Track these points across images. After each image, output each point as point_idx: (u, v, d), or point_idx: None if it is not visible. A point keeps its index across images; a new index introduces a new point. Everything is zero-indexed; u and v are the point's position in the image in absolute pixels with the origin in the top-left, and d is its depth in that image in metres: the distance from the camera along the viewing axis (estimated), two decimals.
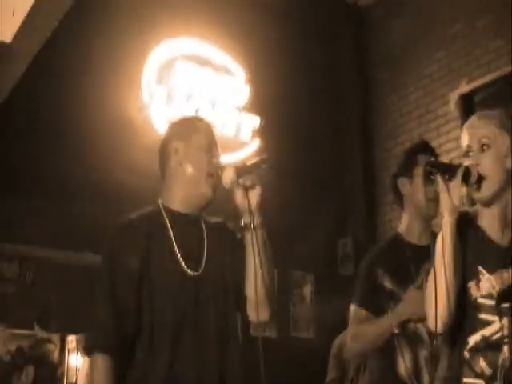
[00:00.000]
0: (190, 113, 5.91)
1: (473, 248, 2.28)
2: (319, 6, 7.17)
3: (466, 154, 2.35)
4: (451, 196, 2.21)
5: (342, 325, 5.73)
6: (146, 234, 2.39)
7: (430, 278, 2.20)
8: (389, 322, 2.94)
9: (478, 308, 2.21)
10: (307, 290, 6.49)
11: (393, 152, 6.96)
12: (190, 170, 2.44)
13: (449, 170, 2.26)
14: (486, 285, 2.23)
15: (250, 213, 2.36)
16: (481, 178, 2.28)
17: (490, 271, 2.24)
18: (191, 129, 2.53)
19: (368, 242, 6.82)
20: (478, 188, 2.29)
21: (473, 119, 2.43)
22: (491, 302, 2.21)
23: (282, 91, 6.52)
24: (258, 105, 6.40)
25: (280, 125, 6.43)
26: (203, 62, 6.19)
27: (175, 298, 2.31)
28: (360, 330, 3.11)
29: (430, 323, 2.20)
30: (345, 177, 7.04)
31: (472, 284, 2.24)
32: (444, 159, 6.28)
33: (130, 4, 5.83)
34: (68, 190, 5.22)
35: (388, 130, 7.09)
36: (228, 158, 6.14)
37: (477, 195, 2.33)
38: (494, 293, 2.22)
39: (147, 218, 2.49)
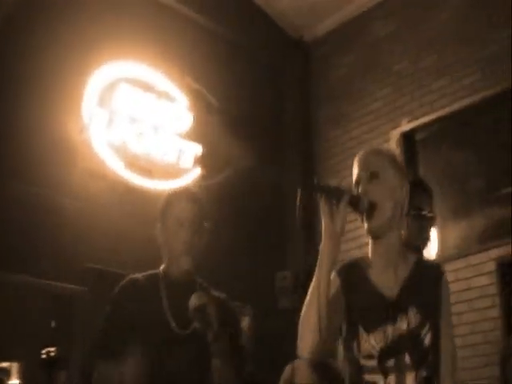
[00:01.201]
0: (132, 138, 5.80)
1: (357, 304, 2.20)
2: (266, 38, 7.13)
3: (357, 183, 2.29)
4: (334, 220, 2.13)
5: (281, 357, 5.71)
6: (145, 296, 2.56)
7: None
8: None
9: (362, 369, 2.15)
10: (245, 322, 6.34)
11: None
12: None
13: (336, 194, 2.17)
14: (365, 346, 2.15)
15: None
16: (372, 207, 2.21)
17: (372, 329, 2.15)
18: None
19: (307, 274, 6.71)
20: (370, 217, 2.22)
21: (363, 153, 2.39)
22: (373, 363, 2.14)
23: (224, 120, 6.44)
24: (200, 133, 6.29)
25: (222, 154, 6.32)
26: (146, 87, 6.04)
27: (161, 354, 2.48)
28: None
29: (299, 345, 2.14)
30: (285, 210, 6.96)
31: (354, 345, 2.18)
32: None
33: (74, 23, 5.66)
34: (1, 211, 5.00)
35: (330, 166, 7.04)
36: (168, 185, 6.01)
37: (368, 225, 2.26)
38: (375, 352, 2.14)
39: (148, 279, 2.66)
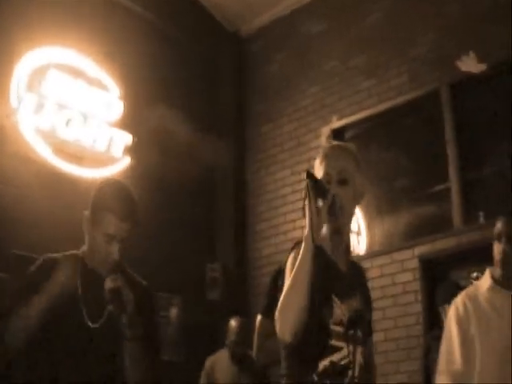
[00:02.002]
0: (61, 124, 5.64)
1: (327, 276, 2.24)
2: (200, 30, 7.04)
3: (327, 182, 2.28)
4: (320, 215, 2.15)
5: (210, 348, 5.68)
6: (60, 278, 2.39)
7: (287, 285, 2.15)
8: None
9: (330, 334, 2.20)
10: (173, 312, 6.26)
11: (264, 181, 6.91)
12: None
13: (323, 190, 2.20)
14: (337, 312, 2.22)
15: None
16: (341, 209, 2.25)
17: (342, 299, 2.24)
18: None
19: (236, 267, 6.71)
20: (337, 217, 2.25)
21: (332, 149, 2.39)
22: (341, 329, 2.21)
23: (156, 110, 6.32)
24: (130, 122, 6.15)
25: (152, 144, 6.21)
26: (77, 74, 5.87)
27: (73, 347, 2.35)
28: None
29: (280, 330, 2.11)
30: (216, 203, 6.91)
31: (326, 310, 2.22)
32: None
33: (2, 8, 5.48)
34: None
35: (260, 160, 7.04)
36: (98, 173, 5.88)
37: (333, 224, 2.28)
38: (344, 320, 2.22)
39: (67, 260, 2.49)
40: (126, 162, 6.05)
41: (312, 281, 2.12)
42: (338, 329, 2.22)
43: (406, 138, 6.09)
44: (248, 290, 6.55)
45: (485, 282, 3.16)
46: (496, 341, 3.02)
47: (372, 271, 5.66)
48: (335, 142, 2.54)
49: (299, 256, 2.15)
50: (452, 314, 3.14)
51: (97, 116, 5.93)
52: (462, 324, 3.07)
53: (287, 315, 2.09)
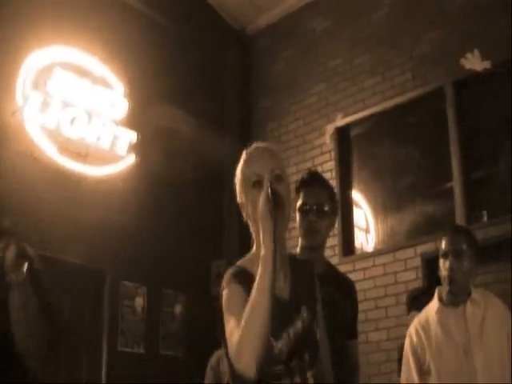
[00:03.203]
0: (66, 122, 5.57)
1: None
2: (206, 28, 6.94)
3: (258, 183, 2.08)
4: (277, 223, 1.95)
5: (213, 344, 5.59)
6: None
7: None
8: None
9: (272, 376, 1.98)
10: (178, 309, 6.19)
11: None
12: None
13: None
14: (275, 352, 1.98)
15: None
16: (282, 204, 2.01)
17: (278, 334, 1.98)
18: None
19: None
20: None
21: (258, 150, 2.21)
22: (280, 367, 1.99)
23: (161, 108, 6.23)
24: (135, 120, 6.05)
25: (157, 141, 6.13)
26: (82, 73, 5.78)
27: None
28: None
29: (243, 364, 1.85)
30: (222, 200, 6.81)
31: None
32: None
33: (10, 6, 5.39)
34: None
35: None
36: (103, 171, 5.80)
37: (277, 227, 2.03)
38: (283, 357, 1.99)
39: None
40: (130, 159, 5.96)
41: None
42: (279, 367, 1.98)
43: (410, 136, 5.98)
44: None
45: (434, 304, 3.13)
46: (448, 362, 2.98)
47: (375, 269, 5.55)
48: (257, 144, 2.28)
49: (258, 276, 1.89)
50: (407, 344, 3.11)
51: (101, 114, 5.85)
52: (417, 353, 3.05)
53: (249, 340, 1.84)
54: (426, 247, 5.34)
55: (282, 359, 1.99)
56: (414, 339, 3.08)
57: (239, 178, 2.17)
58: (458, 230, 3.23)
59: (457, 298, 3.05)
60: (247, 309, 1.88)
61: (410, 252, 5.46)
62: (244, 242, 6.74)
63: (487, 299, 3.09)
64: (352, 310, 2.90)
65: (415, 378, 3.02)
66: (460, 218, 5.31)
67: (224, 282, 2.08)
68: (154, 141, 6.04)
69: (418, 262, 5.35)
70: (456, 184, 5.42)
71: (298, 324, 2.05)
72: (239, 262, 2.17)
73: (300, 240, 2.91)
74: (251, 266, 2.06)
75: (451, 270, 3.01)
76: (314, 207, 2.86)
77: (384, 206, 5.98)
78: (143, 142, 6.03)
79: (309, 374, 2.03)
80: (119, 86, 6.05)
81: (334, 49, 6.60)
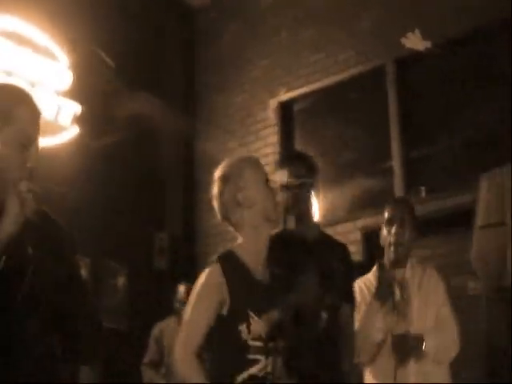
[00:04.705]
0: None
1: (241, 288, 2.24)
2: (153, 1, 6.77)
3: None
4: None
5: (156, 317, 5.53)
6: None
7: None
8: None
9: (248, 350, 2.19)
10: (121, 281, 6.06)
11: (213, 151, 6.70)
12: None
13: None
14: (256, 328, 2.19)
15: None
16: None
17: (259, 313, 2.21)
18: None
19: (185, 237, 6.54)
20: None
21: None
22: (260, 344, 2.20)
23: (106, 81, 6.02)
24: (79, 92, 5.82)
25: (101, 114, 5.92)
26: (25, 42, 5.50)
27: None
28: None
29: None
30: (165, 174, 6.68)
31: (243, 327, 2.19)
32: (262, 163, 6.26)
33: None
34: None
35: (211, 130, 6.82)
36: (46, 142, 5.58)
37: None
38: (263, 335, 2.20)
39: None
40: (74, 131, 5.76)
41: (211, 292, 2.19)
42: (258, 344, 2.18)
43: (353, 113, 5.95)
44: (195, 259, 6.35)
45: (375, 268, 3.22)
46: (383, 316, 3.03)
47: None
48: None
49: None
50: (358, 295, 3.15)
51: (45, 85, 5.59)
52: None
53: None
54: (365, 222, 5.36)
55: (262, 336, 2.18)
56: (364, 289, 3.16)
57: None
58: (400, 199, 3.45)
59: (399, 263, 3.14)
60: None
61: (349, 226, 5.47)
62: (187, 216, 6.69)
63: (424, 266, 3.26)
64: (346, 275, 2.89)
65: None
66: (399, 194, 5.33)
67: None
68: (97, 113, 5.85)
69: (357, 235, 5.37)
70: (395, 161, 5.43)
71: (277, 312, 2.24)
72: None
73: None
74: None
75: (397, 234, 3.11)
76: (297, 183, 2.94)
77: (326, 181, 5.96)
78: (87, 114, 5.83)
79: (279, 360, 2.20)
80: (63, 57, 5.81)
81: (279, 24, 6.50)
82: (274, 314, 2.22)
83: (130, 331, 5.85)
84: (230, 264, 2.25)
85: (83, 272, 5.61)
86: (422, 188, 5.26)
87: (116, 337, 5.77)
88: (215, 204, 2.35)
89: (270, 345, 2.18)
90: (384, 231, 3.18)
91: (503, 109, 5.01)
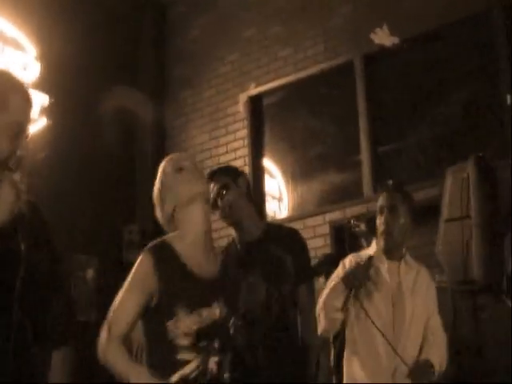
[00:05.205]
0: None
1: (172, 283, 2.12)
2: None
3: None
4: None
5: None
6: None
7: None
8: None
9: (176, 349, 2.07)
10: (90, 273, 5.99)
11: (183, 145, 6.66)
12: None
13: None
14: (183, 325, 2.08)
15: None
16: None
17: (190, 309, 2.08)
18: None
19: (155, 230, 6.46)
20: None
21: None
22: (187, 342, 2.07)
23: (74, 73, 5.95)
24: (47, 83, 5.73)
25: (70, 105, 5.84)
26: None
27: None
28: None
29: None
30: (135, 166, 6.61)
31: (170, 324, 2.08)
32: (232, 157, 6.25)
33: None
34: None
35: (180, 124, 6.78)
36: None
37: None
38: (191, 332, 2.08)
39: None
40: (42, 123, 5.67)
41: (138, 283, 2.15)
42: (186, 342, 2.07)
43: (322, 108, 5.96)
44: None
45: (371, 249, 3.15)
46: (378, 307, 3.01)
47: None
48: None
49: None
50: (339, 269, 3.10)
51: None
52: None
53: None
54: (334, 215, 5.37)
55: (189, 334, 2.05)
56: (347, 266, 3.07)
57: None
58: (393, 186, 3.21)
59: (392, 253, 3.07)
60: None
61: (319, 219, 5.47)
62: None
63: (419, 266, 3.17)
64: (295, 258, 2.88)
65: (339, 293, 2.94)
66: (367, 188, 5.36)
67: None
68: (65, 104, 5.76)
69: (326, 229, 5.37)
70: (363, 156, 5.46)
71: (215, 310, 2.10)
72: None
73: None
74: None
75: (386, 223, 3.03)
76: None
77: (295, 175, 5.97)
78: (55, 105, 5.74)
79: (213, 360, 2.04)
80: (31, 48, 5.71)
81: (249, 19, 6.47)
82: (215, 312, 2.10)
83: (100, 323, 5.78)
84: (163, 254, 2.16)
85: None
86: (390, 182, 5.29)
87: (85, 329, 5.69)
88: None
89: (202, 343, 2.05)
90: (377, 220, 3.10)
91: (470, 103, 5.07)
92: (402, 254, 3.12)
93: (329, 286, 3.00)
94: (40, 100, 5.66)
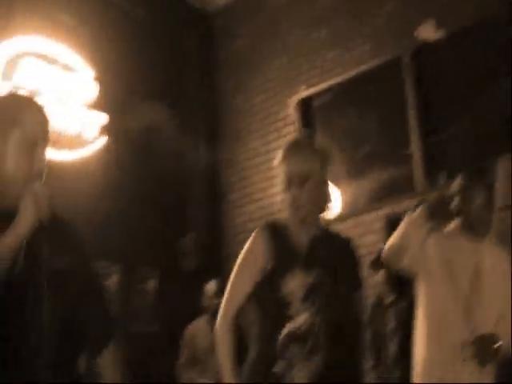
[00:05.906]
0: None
1: (285, 248, 2.35)
2: (168, 10, 6.79)
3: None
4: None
5: (186, 317, 5.56)
6: None
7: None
8: None
9: (287, 306, 2.26)
10: (150, 285, 6.10)
11: (236, 152, 6.78)
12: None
13: None
14: (294, 284, 2.28)
15: None
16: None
17: (299, 271, 2.31)
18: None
19: (210, 237, 6.60)
20: None
21: (291, 149, 2.48)
22: (298, 300, 2.27)
23: (130, 91, 6.11)
24: (105, 103, 5.88)
25: (125, 125, 5.94)
26: (51, 60, 5.61)
27: None
28: None
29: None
30: (188, 176, 6.68)
31: (283, 282, 2.28)
32: None
33: None
34: None
35: (232, 131, 6.88)
36: (72, 155, 5.67)
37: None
38: (300, 293, 2.28)
39: None
40: (100, 142, 5.83)
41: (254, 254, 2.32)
42: (296, 300, 2.26)
43: (371, 105, 5.97)
44: (222, 258, 6.34)
45: (452, 226, 3.05)
46: (443, 305, 2.90)
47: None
48: (296, 139, 2.68)
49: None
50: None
51: (71, 98, 5.70)
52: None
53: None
54: (388, 210, 5.38)
55: (298, 294, 2.30)
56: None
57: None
58: (470, 169, 3.13)
59: (472, 231, 2.97)
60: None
61: (372, 215, 5.48)
62: (212, 215, 6.74)
63: (502, 247, 3.05)
64: (349, 265, 2.80)
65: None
66: (419, 181, 5.35)
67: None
68: (122, 124, 5.92)
69: (381, 224, 5.37)
70: (414, 150, 5.45)
71: (314, 274, 2.35)
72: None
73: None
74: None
75: (462, 200, 2.95)
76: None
77: (346, 173, 5.99)
78: (113, 124, 5.92)
79: (318, 318, 2.30)
80: (88, 70, 5.90)
81: (294, 23, 6.54)
82: (313, 275, 2.30)
83: (162, 333, 5.88)
84: (274, 230, 2.37)
85: (114, 278, 5.71)
86: (444, 172, 5.26)
87: (148, 339, 5.79)
88: None
89: (308, 302, 2.26)
90: (455, 201, 2.98)
91: None
92: (483, 232, 3.00)
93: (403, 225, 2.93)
94: (98, 119, 5.85)
